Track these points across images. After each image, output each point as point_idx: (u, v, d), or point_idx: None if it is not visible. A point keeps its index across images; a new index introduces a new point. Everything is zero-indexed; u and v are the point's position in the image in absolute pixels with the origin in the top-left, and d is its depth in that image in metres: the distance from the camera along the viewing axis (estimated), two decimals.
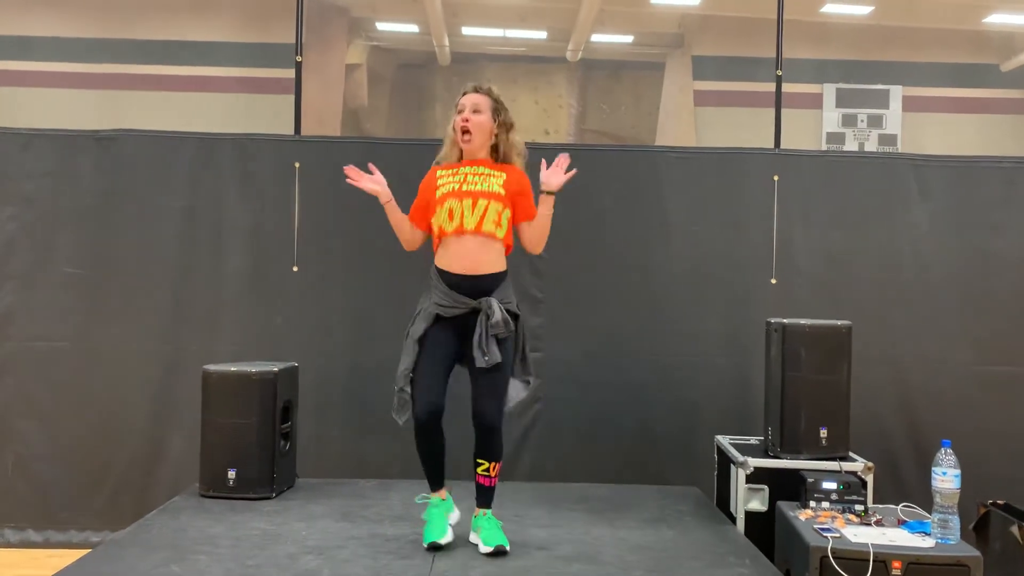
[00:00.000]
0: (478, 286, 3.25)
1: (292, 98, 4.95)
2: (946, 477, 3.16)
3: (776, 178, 4.78)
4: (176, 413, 4.58)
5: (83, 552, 3.36)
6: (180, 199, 4.69)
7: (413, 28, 11.17)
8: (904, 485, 4.46)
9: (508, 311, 3.26)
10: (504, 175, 3.33)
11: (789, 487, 3.68)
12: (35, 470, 4.60)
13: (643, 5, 10.72)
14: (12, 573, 4.19)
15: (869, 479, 3.71)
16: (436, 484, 3.37)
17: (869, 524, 3.36)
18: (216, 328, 4.65)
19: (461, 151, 3.40)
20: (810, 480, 3.56)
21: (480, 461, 3.29)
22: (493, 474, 3.30)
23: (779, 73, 5.00)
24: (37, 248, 4.66)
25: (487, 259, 3.27)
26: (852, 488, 3.54)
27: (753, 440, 4.25)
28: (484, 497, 3.34)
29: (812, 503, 3.52)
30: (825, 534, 3.15)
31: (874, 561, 3.00)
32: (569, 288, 4.72)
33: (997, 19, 10.41)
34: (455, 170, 3.36)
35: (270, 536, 3.40)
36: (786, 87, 5.02)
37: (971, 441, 4.17)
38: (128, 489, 4.59)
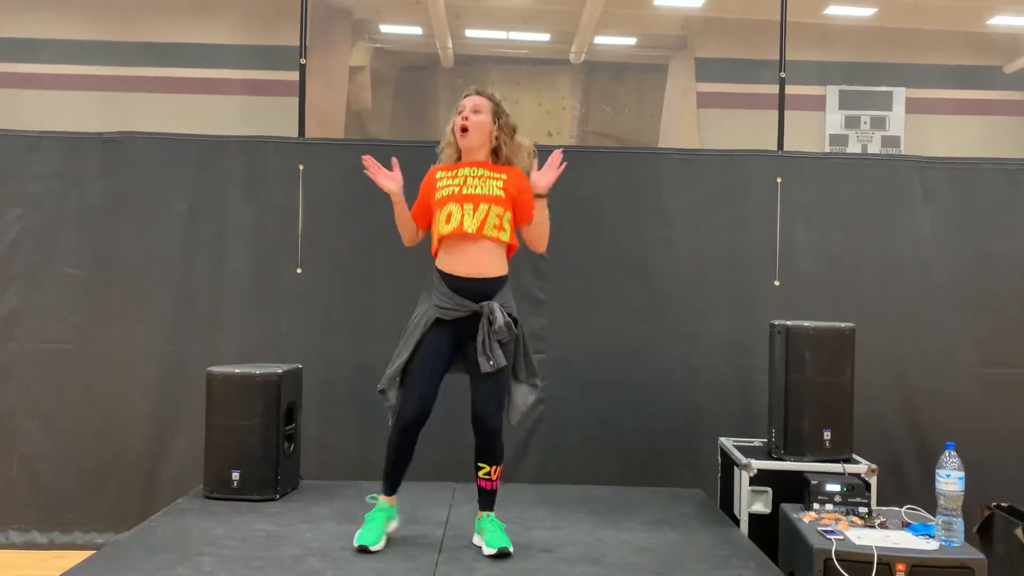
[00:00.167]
0: (480, 289, 3.25)
1: (296, 100, 4.97)
2: (950, 479, 3.16)
3: (779, 180, 4.78)
4: (180, 414, 4.59)
5: (88, 554, 3.37)
6: (184, 201, 4.71)
7: (416, 30, 11.18)
8: (908, 487, 4.46)
9: (509, 315, 3.25)
10: (504, 176, 3.32)
11: (793, 489, 3.68)
12: (39, 471, 4.61)
13: (646, 7, 10.72)
14: (17, 575, 4.20)
15: (873, 481, 3.71)
16: (391, 490, 3.35)
17: (873, 526, 3.35)
18: (220, 330, 4.67)
19: (459, 153, 3.39)
20: (814, 482, 3.56)
21: (481, 465, 3.29)
22: (494, 477, 3.30)
23: (782, 75, 5.00)
24: (42, 249, 4.67)
25: (489, 262, 3.27)
26: (856, 490, 3.54)
27: (757, 442, 4.25)
28: (486, 500, 3.34)
29: (816, 505, 3.52)
30: (829, 536, 3.15)
31: (878, 564, 2.99)
32: (572, 290, 4.73)
33: (1001, 21, 10.39)
34: (454, 171, 3.33)
35: (274, 538, 3.40)
36: (789, 89, 5.02)
37: (975, 443, 4.17)
38: (132, 490, 4.60)
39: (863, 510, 3.50)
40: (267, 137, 4.86)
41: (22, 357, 4.64)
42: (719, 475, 4.28)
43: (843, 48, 10.45)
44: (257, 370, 4.00)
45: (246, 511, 3.75)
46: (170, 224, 4.70)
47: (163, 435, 4.63)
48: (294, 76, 5.00)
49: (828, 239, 4.76)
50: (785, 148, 4.95)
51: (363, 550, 3.21)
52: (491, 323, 3.18)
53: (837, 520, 3.39)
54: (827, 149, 10.26)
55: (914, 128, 10.58)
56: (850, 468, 3.75)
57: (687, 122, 10.83)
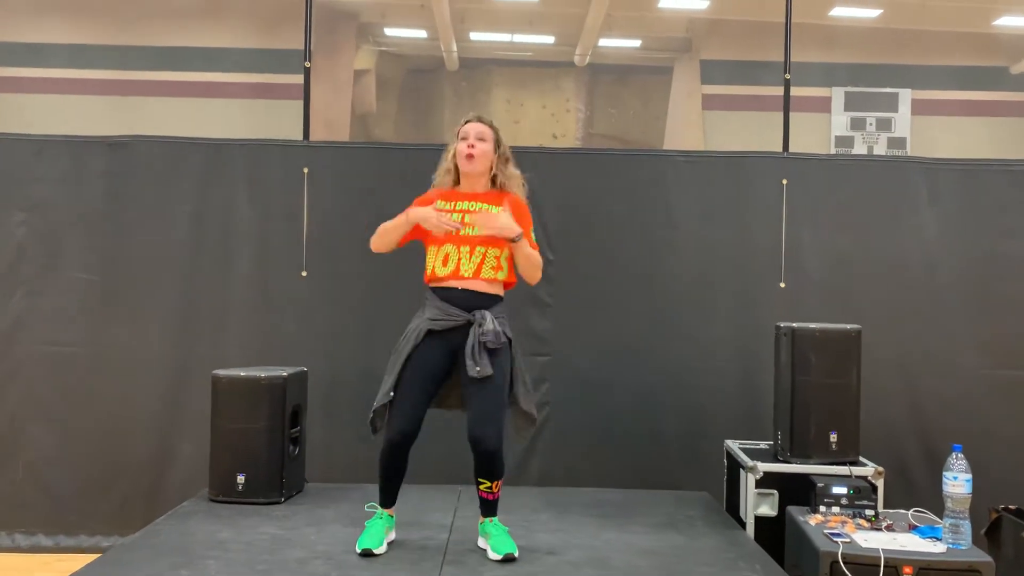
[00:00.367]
0: (472, 301, 3.25)
1: (301, 103, 4.97)
2: (957, 482, 3.14)
3: (785, 182, 4.77)
4: (186, 418, 4.59)
5: (93, 557, 3.37)
6: (190, 204, 4.72)
7: (421, 33, 11.20)
8: (915, 490, 4.43)
9: (502, 331, 3.24)
10: (503, 208, 3.29)
11: (799, 492, 3.68)
12: (45, 475, 4.62)
13: (651, 9, 10.72)
14: None
15: (879, 484, 3.69)
16: (388, 503, 3.36)
17: (880, 529, 3.34)
18: (225, 333, 4.67)
19: (457, 178, 3.38)
20: (820, 485, 3.55)
21: (482, 480, 3.27)
22: (496, 490, 3.29)
23: (787, 77, 4.99)
24: (48, 253, 4.68)
25: (483, 286, 3.28)
26: (862, 493, 3.53)
27: (763, 445, 4.23)
28: (488, 508, 3.33)
29: (822, 508, 3.51)
30: (835, 539, 3.14)
31: (885, 566, 2.98)
32: (577, 292, 4.72)
33: (1006, 22, 10.37)
34: (453, 204, 3.32)
35: (279, 541, 3.40)
36: (794, 91, 5.01)
37: (982, 445, 4.15)
38: (138, 494, 4.60)
39: (870, 513, 3.49)
40: (272, 140, 4.86)
41: (28, 361, 4.65)
42: (725, 477, 4.27)
43: (848, 49, 10.43)
44: (262, 373, 4.00)
45: (251, 514, 3.74)
46: (175, 227, 4.70)
47: (168, 438, 4.63)
48: (299, 79, 5.01)
49: (834, 241, 4.74)
50: (790, 150, 4.94)
51: (367, 554, 3.21)
52: (480, 327, 3.18)
53: (844, 523, 3.38)
54: (833, 151, 10.24)
55: (920, 129, 10.56)
56: (856, 471, 3.74)
57: (692, 124, 10.83)
